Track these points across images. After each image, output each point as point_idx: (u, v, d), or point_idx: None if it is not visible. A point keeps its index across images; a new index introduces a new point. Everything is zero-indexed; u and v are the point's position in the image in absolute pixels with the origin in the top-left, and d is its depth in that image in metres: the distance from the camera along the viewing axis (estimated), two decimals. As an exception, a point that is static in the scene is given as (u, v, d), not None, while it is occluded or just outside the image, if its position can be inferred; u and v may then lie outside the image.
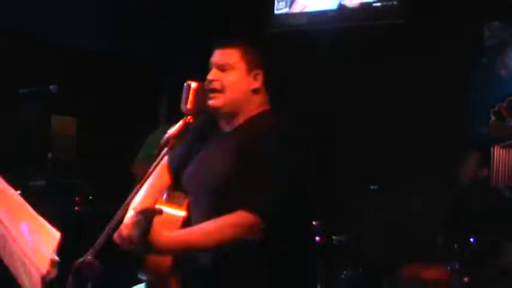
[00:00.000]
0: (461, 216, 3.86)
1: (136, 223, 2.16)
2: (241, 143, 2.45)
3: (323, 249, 3.99)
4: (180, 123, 2.34)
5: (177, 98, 2.46)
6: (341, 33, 5.11)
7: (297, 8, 5.33)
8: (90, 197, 4.76)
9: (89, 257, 2.06)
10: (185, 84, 2.40)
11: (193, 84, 2.39)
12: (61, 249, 2.17)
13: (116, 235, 2.35)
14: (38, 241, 2.18)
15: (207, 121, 2.61)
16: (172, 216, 2.47)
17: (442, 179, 4.32)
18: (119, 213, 2.19)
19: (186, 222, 2.48)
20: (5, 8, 4.87)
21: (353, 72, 4.95)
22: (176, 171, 2.67)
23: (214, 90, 2.50)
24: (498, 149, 4.11)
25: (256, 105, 2.56)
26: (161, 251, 2.28)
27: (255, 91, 2.56)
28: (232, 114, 2.55)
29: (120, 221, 2.29)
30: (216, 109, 2.52)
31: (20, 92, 4.18)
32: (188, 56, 5.39)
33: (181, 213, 2.51)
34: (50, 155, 4.89)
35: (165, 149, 2.31)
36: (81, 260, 2.05)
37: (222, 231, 2.32)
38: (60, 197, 4.59)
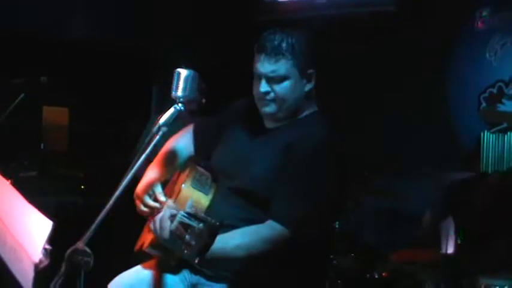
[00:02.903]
0: (458, 205, 3.89)
1: (195, 232, 2.02)
2: (286, 149, 2.42)
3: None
4: (171, 110, 2.36)
5: (169, 88, 2.46)
6: (330, 21, 5.10)
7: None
8: (82, 187, 4.76)
9: (81, 245, 2.08)
10: (175, 71, 2.41)
11: (183, 71, 2.40)
12: (53, 238, 2.19)
13: (155, 226, 2.30)
14: (30, 230, 2.19)
15: (248, 105, 2.58)
16: (198, 203, 2.46)
17: (434, 165, 4.35)
18: (111, 200, 2.20)
19: (212, 212, 2.45)
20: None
21: (342, 60, 4.95)
22: (202, 143, 2.67)
23: (269, 100, 2.47)
24: (488, 135, 4.13)
25: (306, 107, 2.54)
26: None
27: (309, 91, 2.53)
28: (284, 117, 2.52)
29: (112, 209, 2.28)
30: (271, 115, 2.50)
31: (10, 83, 4.17)
32: (179, 44, 5.39)
33: (207, 201, 2.50)
34: (41, 146, 4.89)
35: (156, 137, 2.32)
36: (73, 247, 2.07)
37: (254, 244, 2.33)
38: (52, 187, 4.59)
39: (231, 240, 2.31)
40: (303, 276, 2.51)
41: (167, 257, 2.48)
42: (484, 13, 4.70)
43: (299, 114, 2.53)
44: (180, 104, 2.37)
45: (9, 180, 2.39)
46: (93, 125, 5.41)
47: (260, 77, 2.46)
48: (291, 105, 2.48)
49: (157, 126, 2.31)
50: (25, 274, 2.06)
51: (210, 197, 2.52)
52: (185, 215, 2.05)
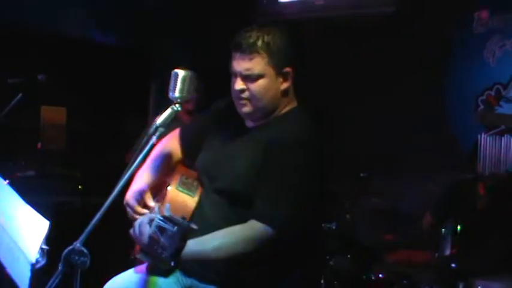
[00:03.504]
0: (454, 207, 3.89)
1: (169, 234, 2.05)
2: (266, 147, 2.39)
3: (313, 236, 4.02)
4: (168, 111, 2.35)
5: (167, 87, 2.46)
6: (329, 22, 5.11)
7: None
8: (80, 187, 4.76)
9: (78, 245, 2.08)
10: (173, 72, 2.40)
11: (181, 72, 2.39)
12: (50, 238, 2.19)
13: (135, 232, 2.29)
14: (27, 230, 2.19)
15: (229, 105, 2.55)
16: (184, 205, 2.46)
17: (430, 167, 4.36)
18: (108, 201, 2.20)
19: (197, 211, 2.48)
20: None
21: (340, 60, 4.96)
22: (189, 147, 2.65)
23: (244, 99, 2.44)
24: (485, 137, 4.13)
25: (284, 104, 2.50)
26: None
27: (286, 90, 2.48)
28: (260, 115, 2.49)
29: (109, 209, 2.29)
30: (247, 115, 2.48)
31: (8, 82, 4.17)
32: (177, 43, 5.39)
33: (193, 203, 2.50)
34: (39, 145, 4.89)
35: (153, 138, 2.32)
36: (70, 247, 2.07)
37: (235, 245, 2.31)
38: (50, 187, 4.59)
39: (211, 242, 2.30)
40: (293, 278, 2.51)
41: (158, 263, 2.49)
42: (483, 15, 4.71)
43: (278, 111, 2.50)
44: (177, 105, 2.36)
45: (7, 180, 2.40)
46: (91, 124, 5.42)
47: (236, 75, 2.44)
48: (267, 104, 2.44)
49: (154, 127, 2.31)
50: (22, 274, 2.06)
51: (196, 198, 2.51)
52: (161, 218, 2.06)
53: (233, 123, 2.56)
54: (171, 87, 2.38)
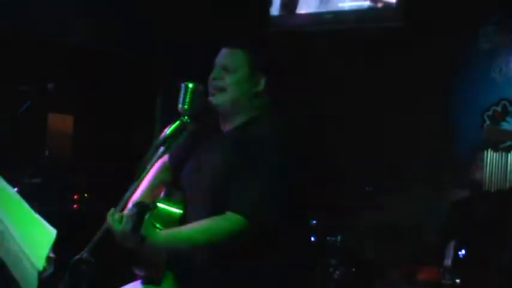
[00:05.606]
0: (460, 221, 3.89)
1: (129, 216, 2.15)
2: (236, 145, 2.47)
3: (317, 249, 4.03)
4: (177, 123, 2.38)
5: (174, 97, 2.49)
6: (338, 35, 5.14)
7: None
8: (86, 195, 4.78)
9: (85, 254, 2.10)
10: (182, 84, 2.43)
11: (190, 85, 2.42)
12: (57, 247, 2.21)
13: (108, 223, 2.31)
14: (34, 238, 2.21)
15: (210, 121, 2.62)
16: (169, 214, 2.50)
17: (435, 182, 4.36)
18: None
19: (183, 221, 2.52)
20: (2, 5, 4.88)
21: (348, 74, 4.98)
22: (177, 169, 2.70)
23: (216, 88, 2.53)
24: (491, 153, 4.14)
25: (255, 108, 2.57)
26: (150, 246, 2.28)
27: (256, 95, 2.57)
28: (231, 114, 2.56)
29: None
30: (215, 107, 2.55)
31: (17, 90, 4.20)
32: (186, 55, 5.42)
33: (178, 211, 2.54)
34: (46, 152, 4.91)
35: (162, 149, 2.35)
36: (77, 257, 2.08)
37: (209, 233, 2.35)
38: (56, 195, 4.61)
39: (185, 230, 2.36)
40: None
41: (153, 274, 2.53)
42: (489, 31, 4.73)
43: (248, 115, 2.57)
44: (185, 117, 2.39)
45: (16, 188, 2.42)
46: (98, 133, 5.44)
47: (216, 66, 2.57)
48: (236, 99, 2.53)
49: (163, 138, 2.33)
50: (29, 281, 2.08)
51: (180, 207, 2.56)
52: (130, 208, 2.17)
53: (212, 134, 2.64)
54: (180, 100, 2.41)
